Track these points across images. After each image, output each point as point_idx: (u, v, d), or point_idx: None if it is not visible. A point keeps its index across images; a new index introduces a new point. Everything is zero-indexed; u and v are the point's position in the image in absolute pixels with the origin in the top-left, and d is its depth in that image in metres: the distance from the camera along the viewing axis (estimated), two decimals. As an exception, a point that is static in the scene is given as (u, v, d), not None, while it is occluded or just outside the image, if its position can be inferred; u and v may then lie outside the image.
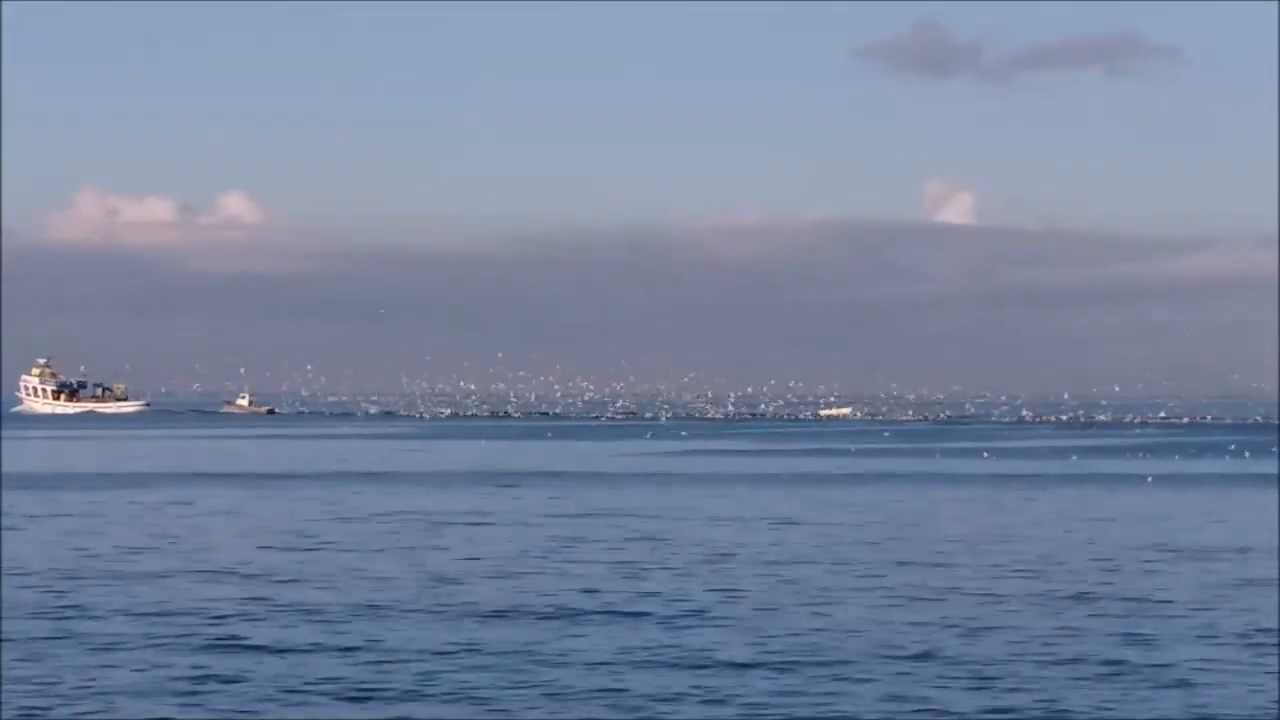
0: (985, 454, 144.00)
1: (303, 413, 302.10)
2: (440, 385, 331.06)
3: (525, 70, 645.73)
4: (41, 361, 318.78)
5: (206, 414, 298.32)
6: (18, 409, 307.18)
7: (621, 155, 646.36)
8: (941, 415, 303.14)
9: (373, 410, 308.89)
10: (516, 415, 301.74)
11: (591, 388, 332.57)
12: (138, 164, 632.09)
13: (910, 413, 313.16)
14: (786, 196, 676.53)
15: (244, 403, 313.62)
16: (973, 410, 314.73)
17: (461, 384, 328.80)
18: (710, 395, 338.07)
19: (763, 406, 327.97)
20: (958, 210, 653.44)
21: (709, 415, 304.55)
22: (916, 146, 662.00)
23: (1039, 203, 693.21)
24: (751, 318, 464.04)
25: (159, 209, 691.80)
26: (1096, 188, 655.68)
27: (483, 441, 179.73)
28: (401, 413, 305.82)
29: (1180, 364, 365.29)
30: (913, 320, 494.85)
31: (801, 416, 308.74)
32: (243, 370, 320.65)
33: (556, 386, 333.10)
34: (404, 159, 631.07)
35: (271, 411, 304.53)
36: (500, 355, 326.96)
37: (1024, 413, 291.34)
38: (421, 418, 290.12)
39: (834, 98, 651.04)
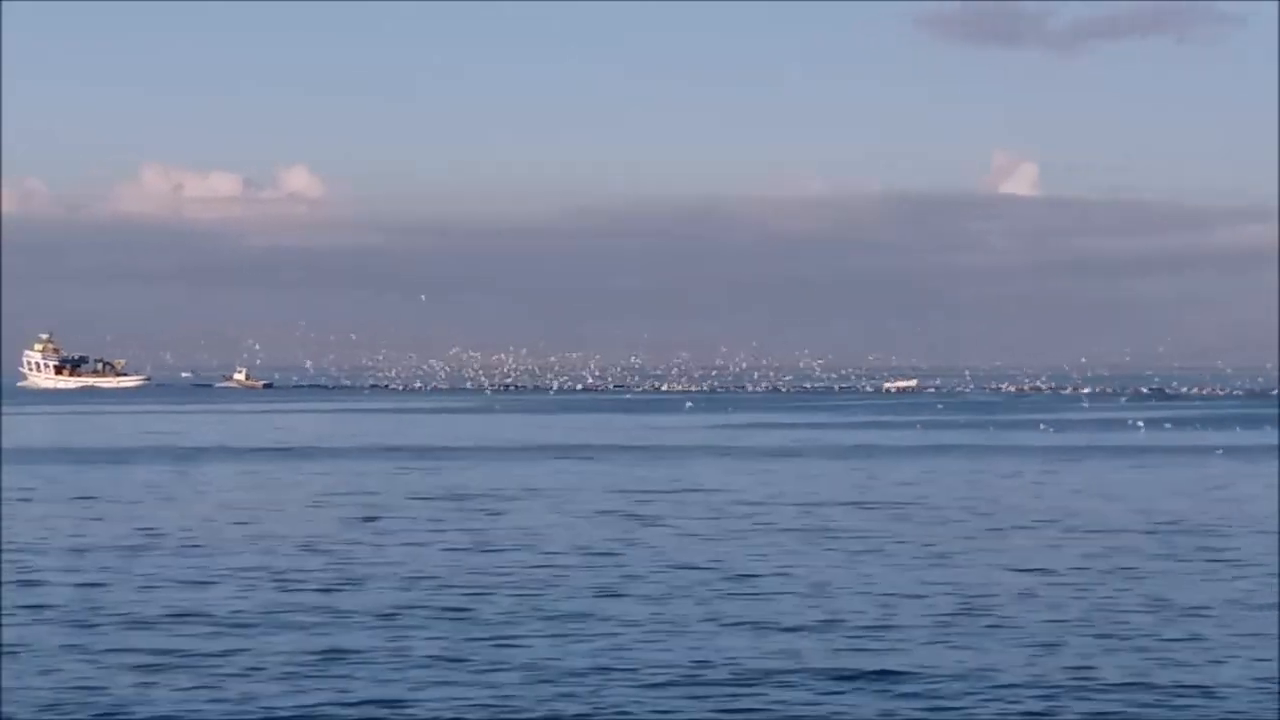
0: (1042, 426, 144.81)
1: (300, 386, 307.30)
2: (498, 356, 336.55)
3: (586, 43, 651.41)
4: (44, 336, 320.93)
5: (204, 388, 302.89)
6: (22, 384, 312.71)
7: (684, 128, 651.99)
8: (1005, 386, 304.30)
9: (406, 385, 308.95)
10: (579, 388, 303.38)
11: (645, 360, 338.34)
12: (203, 139, 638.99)
13: (973, 385, 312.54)
14: (849, 168, 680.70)
15: (240, 377, 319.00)
16: (1041, 383, 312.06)
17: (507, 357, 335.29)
18: (775, 367, 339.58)
19: (833, 378, 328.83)
20: (1021, 181, 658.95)
21: (779, 387, 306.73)
22: (980, 117, 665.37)
23: (1102, 172, 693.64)
24: (815, 290, 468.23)
25: (223, 184, 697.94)
26: (1159, 157, 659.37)
27: (562, 415, 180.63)
28: (440, 387, 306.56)
29: (1239, 333, 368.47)
30: (976, 291, 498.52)
31: (865, 389, 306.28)
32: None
33: (632, 360, 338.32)
34: (465, 133, 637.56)
35: (268, 386, 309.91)
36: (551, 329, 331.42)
37: (1085, 389, 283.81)
38: (483, 391, 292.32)
39: (897, 68, 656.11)
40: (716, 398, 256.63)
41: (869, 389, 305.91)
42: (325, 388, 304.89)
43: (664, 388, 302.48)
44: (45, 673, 31.77)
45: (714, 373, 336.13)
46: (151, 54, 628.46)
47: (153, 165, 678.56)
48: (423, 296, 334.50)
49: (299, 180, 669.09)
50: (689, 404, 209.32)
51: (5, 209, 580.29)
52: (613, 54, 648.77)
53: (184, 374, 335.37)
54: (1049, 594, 42.41)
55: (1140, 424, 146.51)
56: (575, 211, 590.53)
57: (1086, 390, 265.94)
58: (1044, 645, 34.94)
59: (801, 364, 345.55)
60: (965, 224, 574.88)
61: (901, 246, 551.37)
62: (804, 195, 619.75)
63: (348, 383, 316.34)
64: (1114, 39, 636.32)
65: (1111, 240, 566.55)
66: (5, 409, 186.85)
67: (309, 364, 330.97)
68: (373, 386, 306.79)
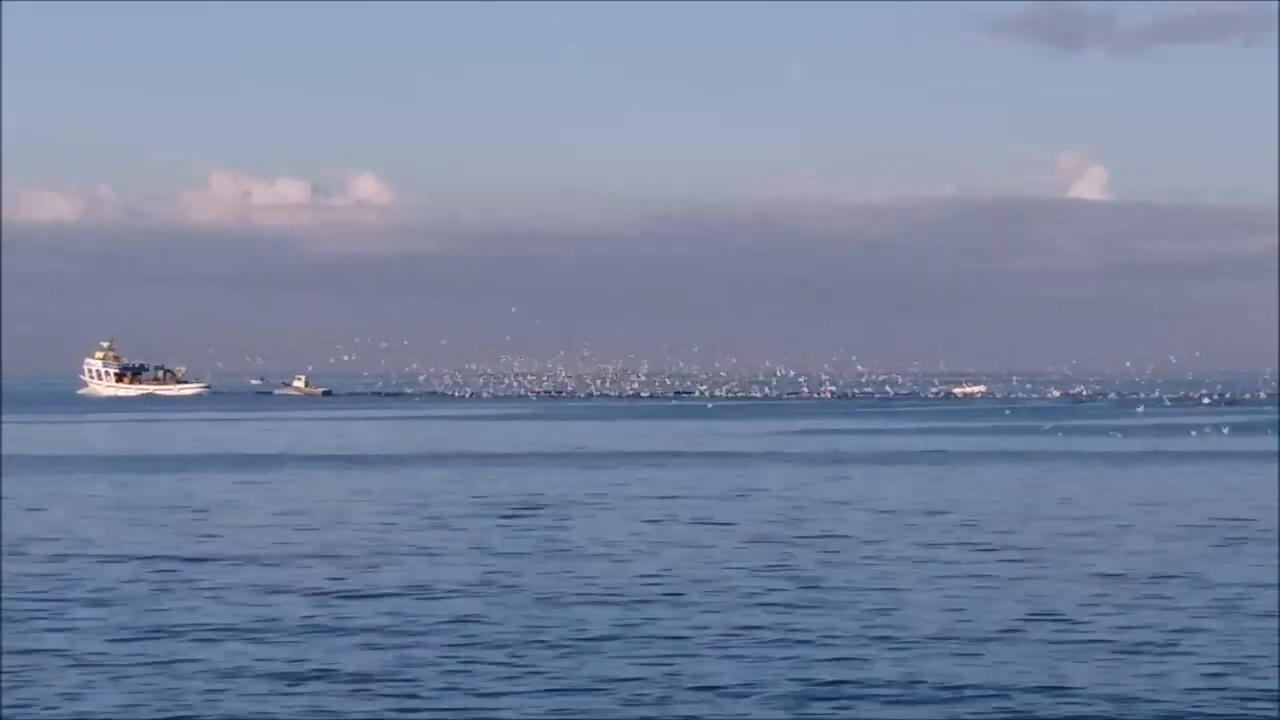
0: (1114, 433, 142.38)
1: (357, 394, 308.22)
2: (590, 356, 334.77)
3: (654, 52, 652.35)
4: (105, 344, 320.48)
5: (264, 395, 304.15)
6: (82, 391, 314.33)
7: (751, 133, 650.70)
8: (1077, 391, 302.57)
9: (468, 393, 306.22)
10: (646, 395, 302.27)
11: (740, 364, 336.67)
12: (271, 147, 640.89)
13: (1045, 389, 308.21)
14: (917, 171, 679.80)
15: (300, 384, 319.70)
16: (1111, 387, 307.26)
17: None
18: (843, 372, 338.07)
19: (901, 384, 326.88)
20: (1090, 184, 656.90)
21: (851, 393, 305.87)
22: (1049, 120, 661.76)
23: (1171, 176, 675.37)
24: (883, 295, 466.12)
25: (291, 191, 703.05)
26: (1228, 161, 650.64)
27: (637, 422, 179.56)
28: (492, 394, 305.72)
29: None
30: (1045, 295, 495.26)
31: (932, 394, 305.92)
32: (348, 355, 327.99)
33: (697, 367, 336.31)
34: (534, 139, 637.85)
35: (327, 393, 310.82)
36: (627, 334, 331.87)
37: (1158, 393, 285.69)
38: (525, 397, 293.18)
39: (967, 71, 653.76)
40: (779, 404, 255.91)
41: (932, 394, 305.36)
42: (381, 394, 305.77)
43: (719, 392, 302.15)
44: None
45: (773, 379, 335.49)
46: (220, 61, 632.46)
47: (221, 173, 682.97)
48: (514, 308, 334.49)
49: (367, 187, 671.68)
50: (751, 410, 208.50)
51: (74, 216, 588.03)
52: (681, 63, 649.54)
53: (253, 381, 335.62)
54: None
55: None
56: (644, 218, 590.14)
57: (1164, 395, 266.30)
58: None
59: (873, 370, 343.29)
60: (1034, 228, 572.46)
61: (970, 251, 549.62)
62: (872, 199, 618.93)
63: (410, 390, 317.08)
64: (1181, 42, 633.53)
65: (1180, 244, 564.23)
66: (66, 417, 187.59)
67: (365, 371, 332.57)
68: (429, 393, 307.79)
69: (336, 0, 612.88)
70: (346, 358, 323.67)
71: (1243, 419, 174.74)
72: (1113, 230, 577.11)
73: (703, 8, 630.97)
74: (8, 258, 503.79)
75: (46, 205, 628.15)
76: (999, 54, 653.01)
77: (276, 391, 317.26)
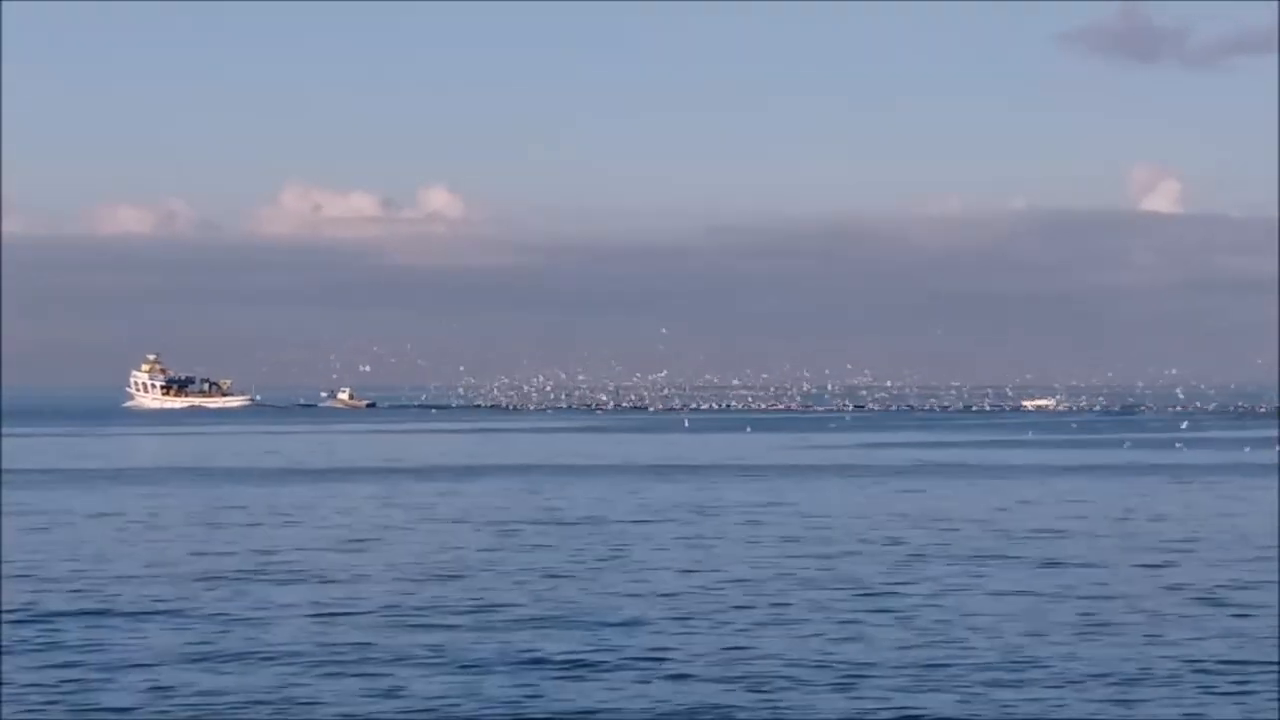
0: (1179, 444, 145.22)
1: (401, 406, 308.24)
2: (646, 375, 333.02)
3: (723, 62, 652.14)
4: (151, 357, 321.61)
5: (309, 408, 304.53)
6: (128, 404, 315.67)
7: (822, 145, 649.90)
8: (1148, 405, 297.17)
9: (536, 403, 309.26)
10: (739, 406, 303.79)
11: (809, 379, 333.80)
12: (342, 159, 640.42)
13: (1101, 400, 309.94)
14: (989, 184, 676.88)
15: (345, 397, 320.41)
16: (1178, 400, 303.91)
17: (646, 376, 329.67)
18: (908, 386, 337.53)
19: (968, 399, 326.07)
20: (1163, 197, 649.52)
21: (928, 406, 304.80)
22: (1121, 133, 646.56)
23: (1245, 188, 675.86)
24: (954, 307, 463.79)
25: (362, 203, 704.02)
26: None
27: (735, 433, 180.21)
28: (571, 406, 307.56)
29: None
30: (1118, 308, 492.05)
31: (1006, 407, 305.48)
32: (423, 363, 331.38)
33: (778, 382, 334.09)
34: (604, 152, 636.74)
35: (371, 405, 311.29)
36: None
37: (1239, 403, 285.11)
38: (589, 410, 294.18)
39: (1037, 84, 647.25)
40: (868, 418, 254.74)
41: (1007, 407, 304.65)
42: (426, 407, 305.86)
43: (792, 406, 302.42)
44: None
45: (863, 391, 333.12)
46: (290, 73, 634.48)
47: (292, 186, 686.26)
48: (664, 329, 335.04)
49: (439, 199, 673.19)
50: (833, 424, 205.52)
51: (149, 229, 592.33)
52: (751, 74, 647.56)
53: (322, 393, 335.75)
54: None
55: None
56: (713, 230, 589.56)
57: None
58: None
59: (946, 384, 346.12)
60: (1107, 241, 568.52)
61: (1042, 263, 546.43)
62: (944, 213, 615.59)
63: (458, 402, 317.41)
64: (1252, 54, 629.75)
65: (1254, 258, 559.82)
66: (114, 429, 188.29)
67: (414, 385, 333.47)
68: (476, 406, 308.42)
69: (415, 3, 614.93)
70: (421, 362, 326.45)
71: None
72: (1186, 243, 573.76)
73: (764, 21, 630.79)
74: (84, 272, 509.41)
75: (120, 219, 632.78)
76: (1070, 66, 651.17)
77: (321, 404, 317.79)
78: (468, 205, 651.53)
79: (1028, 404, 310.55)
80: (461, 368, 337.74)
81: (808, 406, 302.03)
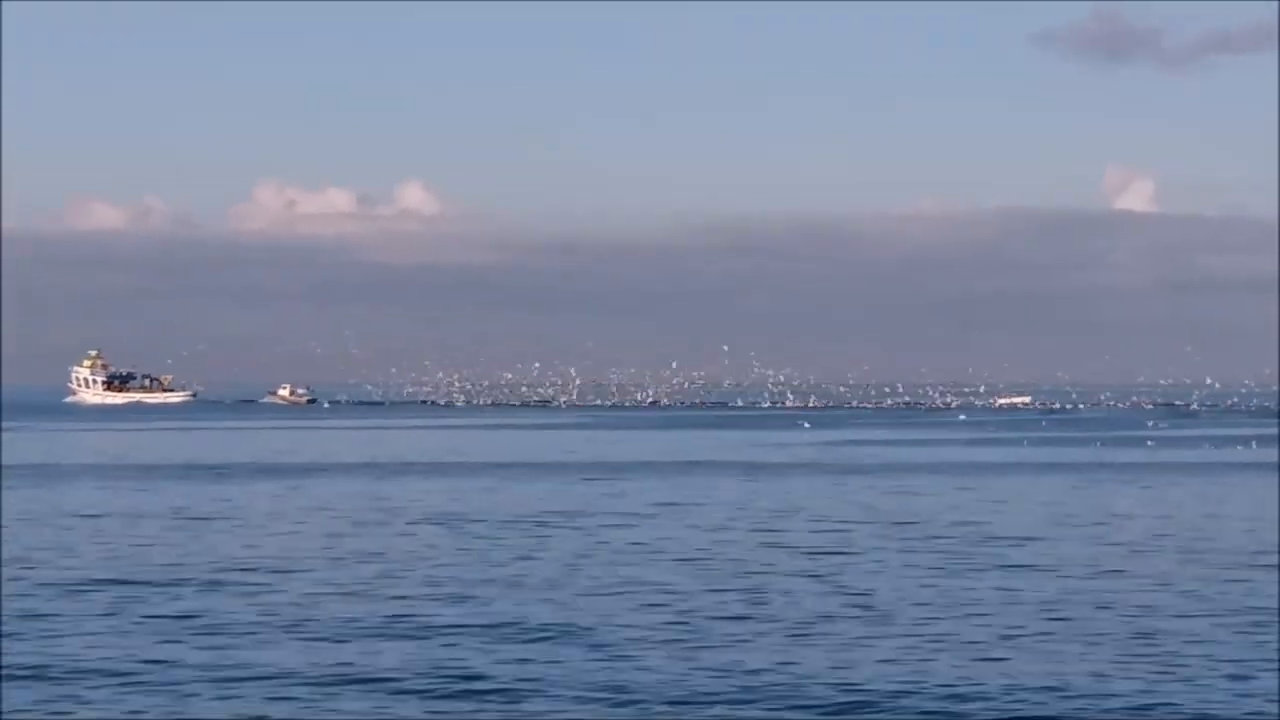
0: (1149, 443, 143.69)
1: (338, 402, 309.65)
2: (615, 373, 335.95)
3: (704, 68, 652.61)
4: (92, 353, 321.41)
5: (249, 404, 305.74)
6: (69, 400, 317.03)
7: (801, 145, 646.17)
8: (1119, 404, 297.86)
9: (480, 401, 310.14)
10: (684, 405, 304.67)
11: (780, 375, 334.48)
12: (316, 156, 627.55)
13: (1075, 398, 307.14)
14: (965, 185, 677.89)
15: (285, 393, 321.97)
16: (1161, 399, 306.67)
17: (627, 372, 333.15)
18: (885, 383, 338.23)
19: (939, 394, 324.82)
20: (1138, 197, 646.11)
21: (888, 404, 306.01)
22: (1096, 133, 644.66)
23: (1219, 189, 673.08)
24: (931, 306, 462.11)
25: (338, 200, 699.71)
26: (1272, 174, 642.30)
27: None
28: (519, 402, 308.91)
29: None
30: (1093, 308, 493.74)
31: (979, 404, 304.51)
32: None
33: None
34: (582, 150, 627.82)
35: (312, 401, 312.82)
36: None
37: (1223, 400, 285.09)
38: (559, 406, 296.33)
39: (1012, 85, 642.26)
40: (829, 414, 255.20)
41: (979, 404, 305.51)
42: (368, 404, 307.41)
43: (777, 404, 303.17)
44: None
45: (840, 389, 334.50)
46: (265, 71, 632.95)
47: (267, 182, 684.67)
48: (725, 347, 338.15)
49: (414, 196, 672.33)
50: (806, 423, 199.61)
51: (125, 226, 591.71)
52: (729, 75, 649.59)
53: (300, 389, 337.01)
54: None
55: None
56: (692, 229, 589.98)
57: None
58: None
59: (911, 379, 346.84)
60: (1083, 241, 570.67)
61: (1018, 263, 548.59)
62: (921, 212, 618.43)
63: (398, 400, 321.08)
64: (1227, 55, 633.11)
65: (1227, 257, 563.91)
66: (50, 425, 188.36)
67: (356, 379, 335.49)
68: (422, 402, 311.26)
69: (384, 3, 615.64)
70: (354, 354, 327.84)
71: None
72: (1160, 243, 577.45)
73: (746, 21, 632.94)
74: (55, 268, 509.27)
75: (96, 215, 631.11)
76: (1046, 67, 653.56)
77: (261, 400, 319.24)
78: (443, 202, 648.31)
79: (1001, 401, 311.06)
80: (427, 363, 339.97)
81: (753, 403, 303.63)
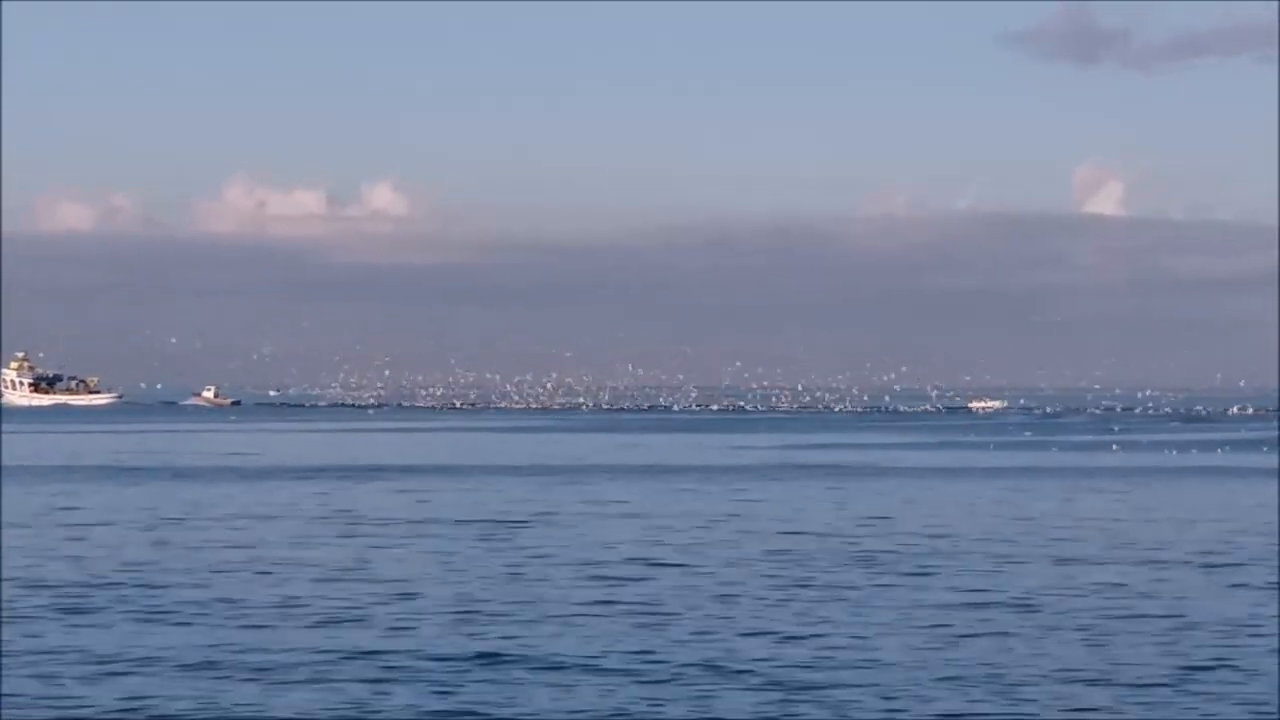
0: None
1: (261, 404, 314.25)
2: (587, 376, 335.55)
3: (672, 64, 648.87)
4: (20, 354, 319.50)
5: (172, 406, 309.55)
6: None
7: (769, 145, 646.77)
8: (1091, 408, 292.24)
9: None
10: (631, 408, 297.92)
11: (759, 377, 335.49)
12: (286, 156, 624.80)
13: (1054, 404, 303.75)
14: (934, 185, 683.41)
15: (209, 395, 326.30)
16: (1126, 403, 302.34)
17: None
18: (861, 387, 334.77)
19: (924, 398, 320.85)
20: (1106, 199, 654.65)
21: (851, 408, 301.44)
22: (1064, 135, 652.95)
23: (1187, 191, 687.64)
24: (900, 307, 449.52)
25: (307, 200, 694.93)
26: (1245, 176, 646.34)
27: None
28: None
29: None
30: (1062, 309, 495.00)
31: (953, 407, 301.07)
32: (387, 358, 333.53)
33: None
34: (550, 150, 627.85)
35: (236, 403, 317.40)
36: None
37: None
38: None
39: (981, 86, 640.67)
40: (803, 418, 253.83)
41: (954, 408, 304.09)
42: (291, 406, 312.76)
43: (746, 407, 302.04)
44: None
45: (807, 394, 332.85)
46: (234, 68, 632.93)
47: (236, 182, 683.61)
48: (687, 349, 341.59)
49: (383, 197, 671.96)
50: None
51: (90, 225, 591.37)
52: (701, 74, 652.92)
53: (272, 392, 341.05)
54: None
55: None
56: (660, 229, 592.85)
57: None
58: None
59: (885, 382, 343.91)
60: (1050, 241, 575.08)
61: (987, 264, 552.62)
62: (889, 213, 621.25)
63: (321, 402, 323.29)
64: (1195, 58, 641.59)
65: (1197, 259, 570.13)
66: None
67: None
68: (350, 405, 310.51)
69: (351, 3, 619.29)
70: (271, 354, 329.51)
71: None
72: (1130, 245, 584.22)
73: (715, 19, 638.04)
74: (24, 267, 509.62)
75: (63, 214, 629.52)
76: (1015, 67, 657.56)
77: (184, 402, 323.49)
78: (412, 203, 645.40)
79: (975, 405, 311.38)
80: (389, 358, 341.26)
81: (738, 406, 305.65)
